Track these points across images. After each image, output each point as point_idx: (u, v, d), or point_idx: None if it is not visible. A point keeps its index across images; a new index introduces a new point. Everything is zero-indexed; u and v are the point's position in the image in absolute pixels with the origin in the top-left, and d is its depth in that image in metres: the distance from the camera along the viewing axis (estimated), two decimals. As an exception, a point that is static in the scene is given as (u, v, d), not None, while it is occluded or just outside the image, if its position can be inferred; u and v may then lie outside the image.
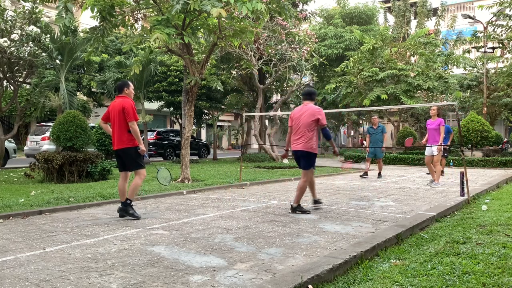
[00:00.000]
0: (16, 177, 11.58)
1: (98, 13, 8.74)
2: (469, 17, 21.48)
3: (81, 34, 16.10)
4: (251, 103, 24.96)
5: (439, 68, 21.79)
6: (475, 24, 24.78)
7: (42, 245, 4.43)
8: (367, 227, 5.23)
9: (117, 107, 5.83)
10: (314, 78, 29.29)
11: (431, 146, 9.48)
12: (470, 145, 18.19)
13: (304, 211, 6.25)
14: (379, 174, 11.93)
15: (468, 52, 22.05)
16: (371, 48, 20.12)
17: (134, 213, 5.82)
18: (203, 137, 38.88)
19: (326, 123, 6.42)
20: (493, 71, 25.68)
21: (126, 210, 5.82)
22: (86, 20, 16.86)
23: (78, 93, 20.64)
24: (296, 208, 6.29)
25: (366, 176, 11.91)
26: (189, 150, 10.48)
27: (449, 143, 12.86)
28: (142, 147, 5.95)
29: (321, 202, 6.82)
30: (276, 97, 29.58)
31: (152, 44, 10.38)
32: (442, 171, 12.86)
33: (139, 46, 10.96)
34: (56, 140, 10.78)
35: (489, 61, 22.64)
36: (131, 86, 6.09)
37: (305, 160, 6.31)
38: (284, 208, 6.66)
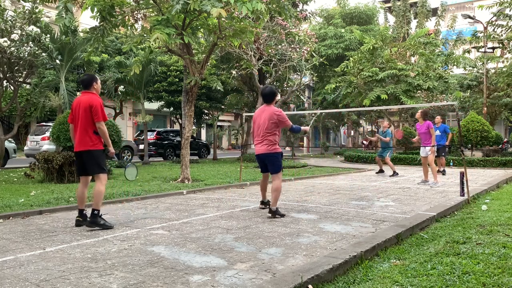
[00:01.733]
0: (16, 177, 11.58)
1: (98, 13, 8.74)
2: (469, 17, 21.48)
3: (81, 34, 16.10)
4: (251, 103, 24.95)
5: (439, 68, 21.78)
6: (475, 24, 24.79)
7: (42, 245, 4.43)
8: (367, 227, 5.23)
9: (83, 104, 5.17)
10: (314, 78, 29.29)
11: (425, 147, 9.73)
12: (470, 145, 18.19)
13: (281, 215, 5.90)
14: (394, 172, 12.29)
15: (468, 52, 22.05)
16: (371, 48, 20.11)
17: (106, 223, 5.18)
18: (203, 137, 38.88)
19: (290, 123, 6.02)
20: (493, 71, 25.69)
21: (95, 222, 5.13)
22: (86, 20, 16.86)
23: (78, 93, 20.61)
24: (276, 212, 5.89)
25: (382, 174, 12.65)
26: (189, 150, 10.48)
27: (447, 143, 12.92)
28: (111, 149, 5.34)
29: (269, 205, 6.24)
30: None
31: (152, 44, 10.38)
32: (444, 171, 12.90)
33: (139, 46, 10.96)
34: (56, 140, 10.77)
35: (489, 61, 22.64)
36: (99, 81, 5.49)
37: (272, 163, 5.99)
38: (284, 208, 6.66)
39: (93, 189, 5.28)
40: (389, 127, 12.67)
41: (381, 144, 12.62)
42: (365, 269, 3.61)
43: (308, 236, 4.75)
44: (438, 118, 13.38)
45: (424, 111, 10.06)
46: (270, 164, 5.99)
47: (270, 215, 5.90)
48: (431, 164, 9.71)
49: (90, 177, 5.53)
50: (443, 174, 12.61)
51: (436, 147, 12.65)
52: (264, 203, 6.56)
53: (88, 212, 5.42)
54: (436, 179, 9.70)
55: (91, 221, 5.16)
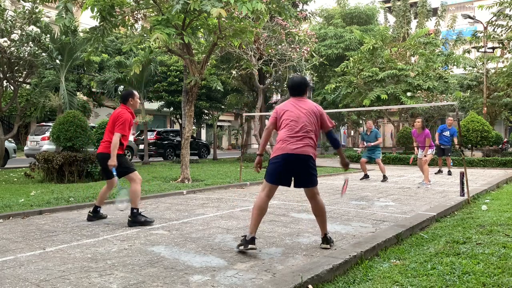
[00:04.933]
0: (16, 177, 11.58)
1: (98, 13, 8.75)
2: (469, 17, 21.48)
3: (81, 34, 16.11)
4: (251, 103, 24.95)
5: (439, 68, 21.78)
6: (475, 24, 24.76)
7: (42, 245, 4.43)
8: (367, 227, 5.23)
9: (113, 115, 5.57)
10: (314, 78, 29.28)
11: (423, 150, 9.74)
12: (470, 145, 18.18)
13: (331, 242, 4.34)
14: (384, 176, 10.94)
15: (468, 52, 22.05)
16: (371, 48, 20.11)
17: (146, 219, 5.44)
18: (203, 137, 38.87)
19: (332, 124, 4.56)
20: (493, 71, 25.68)
21: (136, 221, 5.37)
22: (86, 20, 16.85)
23: (78, 93, 20.64)
24: (329, 240, 4.34)
25: (367, 178, 11.37)
26: (189, 150, 10.48)
27: (457, 144, 12.83)
28: (113, 162, 5.35)
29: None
30: (276, 97, 29.59)
31: (152, 44, 10.38)
32: (449, 171, 12.90)
33: (139, 46, 10.95)
34: (56, 140, 10.78)
35: (489, 61, 22.64)
36: (137, 96, 5.76)
37: (310, 172, 4.27)
38: (284, 208, 6.66)
39: (129, 190, 5.49)
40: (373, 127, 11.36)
41: (367, 149, 11.17)
42: (365, 269, 3.61)
43: (308, 236, 4.75)
44: (450, 120, 13.16)
45: (423, 121, 10.05)
46: (307, 172, 4.19)
47: (328, 246, 4.28)
48: (424, 164, 9.68)
49: (116, 180, 5.65)
50: (449, 175, 12.61)
51: (445, 146, 12.68)
52: (252, 241, 4.05)
53: (103, 210, 5.96)
54: (427, 180, 9.70)
55: (133, 220, 5.37)
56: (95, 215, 5.77)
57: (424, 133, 9.74)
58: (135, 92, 5.81)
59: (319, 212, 4.32)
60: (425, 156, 9.66)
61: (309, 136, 4.20)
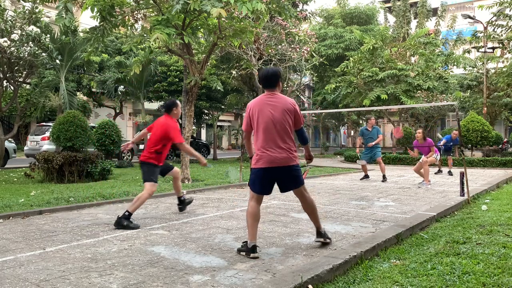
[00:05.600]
0: (16, 177, 11.58)
1: (98, 13, 8.74)
2: (469, 17, 21.48)
3: (81, 34, 16.11)
4: (251, 103, 24.93)
5: (439, 68, 21.78)
6: (475, 24, 24.78)
7: (42, 245, 4.43)
8: (367, 227, 5.23)
9: (160, 125, 5.77)
10: (314, 78, 29.28)
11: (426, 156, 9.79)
12: (470, 145, 18.18)
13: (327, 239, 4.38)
14: (384, 176, 10.85)
15: (468, 52, 22.04)
16: (371, 48, 20.11)
17: (129, 225, 5.25)
18: (203, 137, 38.86)
19: (303, 121, 4.42)
20: (493, 71, 25.68)
21: (120, 223, 5.26)
22: (86, 20, 16.85)
23: (78, 93, 20.65)
24: (325, 235, 4.38)
25: (367, 178, 11.28)
26: (189, 150, 10.47)
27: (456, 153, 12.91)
28: (203, 160, 5.90)
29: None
30: (276, 97, 29.58)
31: (152, 44, 10.38)
32: (450, 171, 12.91)
33: (139, 46, 10.95)
34: (56, 140, 10.78)
35: (489, 61, 22.63)
36: (179, 105, 5.99)
37: (295, 175, 4.21)
38: (284, 208, 6.66)
39: (140, 195, 5.50)
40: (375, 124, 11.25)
41: (366, 147, 11.00)
42: (365, 269, 3.61)
43: (308, 236, 4.75)
44: (455, 134, 13.17)
45: (424, 132, 10.04)
46: (291, 177, 4.15)
47: (322, 239, 4.37)
48: (425, 165, 9.66)
49: (177, 170, 6.22)
50: (450, 175, 12.61)
51: (445, 146, 12.68)
52: (254, 249, 3.99)
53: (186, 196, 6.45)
54: (427, 180, 9.69)
55: (118, 221, 5.28)
56: (183, 203, 6.37)
57: (427, 143, 9.76)
58: (178, 102, 6.02)
59: (310, 209, 4.32)
60: (426, 158, 9.68)
61: (287, 141, 4.08)
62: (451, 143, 12.94)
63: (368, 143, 10.91)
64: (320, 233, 4.37)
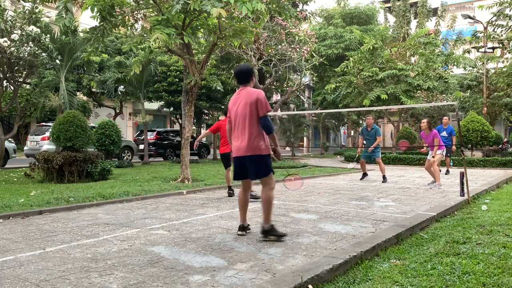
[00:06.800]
0: (16, 177, 11.58)
1: (98, 13, 8.75)
2: (469, 17, 21.48)
3: (81, 34, 16.11)
4: (251, 103, 24.92)
5: (439, 68, 21.78)
6: (475, 24, 24.77)
7: (42, 245, 4.43)
8: (367, 227, 5.23)
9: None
10: (314, 78, 29.28)
11: (432, 152, 9.65)
12: (470, 145, 18.19)
13: (280, 235, 4.53)
14: (384, 177, 10.75)
15: (468, 52, 22.07)
16: (371, 48, 20.11)
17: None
18: (203, 137, 38.82)
19: (269, 110, 4.56)
20: (493, 71, 25.70)
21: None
22: (86, 20, 16.85)
23: (78, 93, 20.65)
24: (269, 232, 4.54)
25: (367, 178, 11.30)
26: (189, 150, 10.49)
27: (453, 146, 12.86)
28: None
29: (249, 229, 4.90)
30: (276, 97, 29.60)
31: (152, 44, 10.38)
32: (448, 171, 12.88)
33: (139, 46, 10.95)
34: (56, 140, 10.78)
35: (489, 61, 22.64)
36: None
37: (258, 165, 4.52)
38: (284, 208, 6.66)
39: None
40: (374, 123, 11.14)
41: (367, 148, 10.88)
42: (365, 269, 3.61)
43: (308, 236, 4.75)
44: (446, 120, 13.26)
45: (430, 121, 9.95)
46: (254, 168, 4.47)
47: (262, 235, 4.59)
48: (433, 165, 9.57)
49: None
50: (446, 174, 12.60)
51: (446, 144, 12.66)
52: (244, 228, 4.78)
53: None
54: (439, 181, 9.56)
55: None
56: (233, 192, 7.80)
57: (432, 133, 9.62)
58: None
59: (264, 202, 4.56)
60: (433, 157, 9.54)
61: (251, 131, 4.44)
62: (445, 132, 12.84)
63: (368, 144, 10.93)
64: (264, 230, 4.58)
